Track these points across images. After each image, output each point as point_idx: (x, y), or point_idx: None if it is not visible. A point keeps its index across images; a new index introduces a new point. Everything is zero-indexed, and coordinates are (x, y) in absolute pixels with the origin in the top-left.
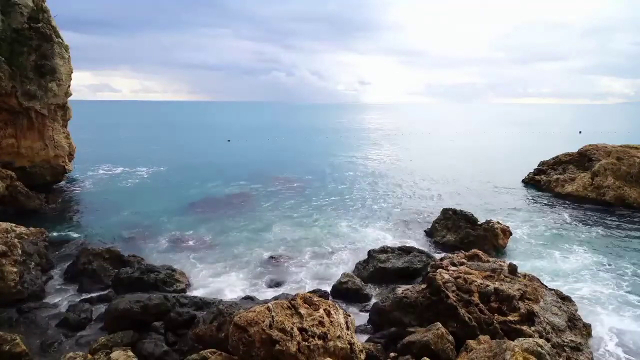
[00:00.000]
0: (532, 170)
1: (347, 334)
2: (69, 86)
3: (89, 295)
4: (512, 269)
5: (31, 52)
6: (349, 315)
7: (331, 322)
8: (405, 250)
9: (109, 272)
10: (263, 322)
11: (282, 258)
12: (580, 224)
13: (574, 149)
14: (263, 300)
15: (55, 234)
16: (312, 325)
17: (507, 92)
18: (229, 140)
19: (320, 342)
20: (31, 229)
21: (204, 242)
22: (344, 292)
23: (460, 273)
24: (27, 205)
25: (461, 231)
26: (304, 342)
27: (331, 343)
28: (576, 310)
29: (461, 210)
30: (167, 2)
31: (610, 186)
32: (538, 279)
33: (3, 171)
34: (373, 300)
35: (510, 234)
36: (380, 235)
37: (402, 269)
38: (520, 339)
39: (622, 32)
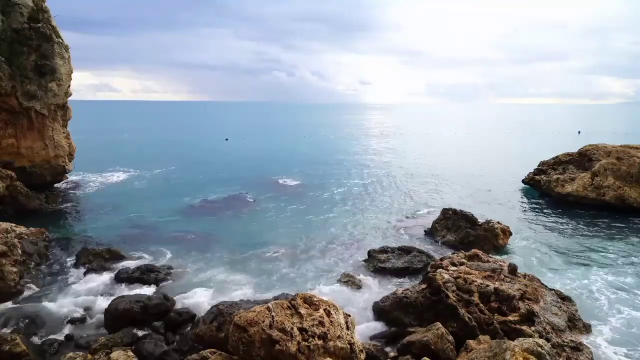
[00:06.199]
0: (532, 170)
1: (347, 334)
2: (69, 86)
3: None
4: (512, 269)
5: (31, 52)
6: (349, 315)
7: (331, 322)
8: (405, 250)
9: (109, 272)
10: (263, 322)
11: (281, 258)
12: (580, 224)
13: (574, 149)
14: (263, 300)
15: (55, 234)
16: (312, 325)
17: (508, 92)
18: (226, 139)
19: (320, 342)
20: (31, 229)
21: (204, 242)
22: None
23: (460, 273)
24: (27, 205)
25: (461, 231)
26: (304, 342)
27: (331, 343)
28: (576, 310)
29: (461, 210)
30: (167, 2)
31: (610, 186)
32: (538, 279)
33: (3, 171)
34: (373, 300)
35: (510, 233)
36: (380, 235)
37: (402, 269)
38: (520, 339)
39: (622, 32)
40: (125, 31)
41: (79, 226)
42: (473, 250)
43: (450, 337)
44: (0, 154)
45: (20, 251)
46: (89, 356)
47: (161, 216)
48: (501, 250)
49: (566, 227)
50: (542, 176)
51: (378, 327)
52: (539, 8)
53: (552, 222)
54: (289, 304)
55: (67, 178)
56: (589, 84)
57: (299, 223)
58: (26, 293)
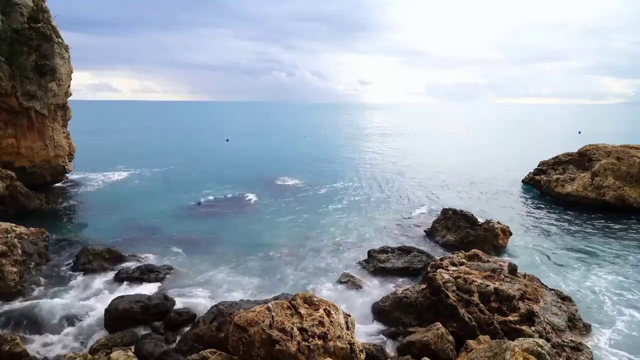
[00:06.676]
0: (532, 170)
1: (347, 334)
2: (69, 86)
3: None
4: (512, 269)
5: (31, 52)
6: (349, 315)
7: (331, 322)
8: (405, 250)
9: (109, 272)
10: (263, 322)
11: (282, 258)
12: (581, 224)
13: (574, 149)
14: (263, 300)
15: (55, 234)
16: (312, 325)
17: (508, 92)
18: (227, 140)
19: (320, 342)
20: (31, 229)
21: (204, 242)
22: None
23: (460, 273)
24: (27, 205)
25: (461, 231)
26: (304, 342)
27: (331, 343)
28: (576, 310)
29: (461, 210)
30: (167, 2)
31: (610, 186)
32: (538, 279)
33: (3, 171)
34: (373, 300)
35: (510, 233)
36: (380, 235)
37: (402, 269)
38: (520, 339)
39: (622, 32)
40: (125, 31)
41: (79, 226)
42: (473, 250)
43: (450, 337)
44: (0, 154)
45: (20, 251)
46: (89, 356)
47: (161, 216)
48: (501, 250)
49: (566, 227)
50: (542, 176)
51: (378, 327)
52: (539, 8)
53: (552, 222)
54: (289, 304)
55: (67, 178)
56: (589, 84)
57: (299, 223)
58: (26, 293)
